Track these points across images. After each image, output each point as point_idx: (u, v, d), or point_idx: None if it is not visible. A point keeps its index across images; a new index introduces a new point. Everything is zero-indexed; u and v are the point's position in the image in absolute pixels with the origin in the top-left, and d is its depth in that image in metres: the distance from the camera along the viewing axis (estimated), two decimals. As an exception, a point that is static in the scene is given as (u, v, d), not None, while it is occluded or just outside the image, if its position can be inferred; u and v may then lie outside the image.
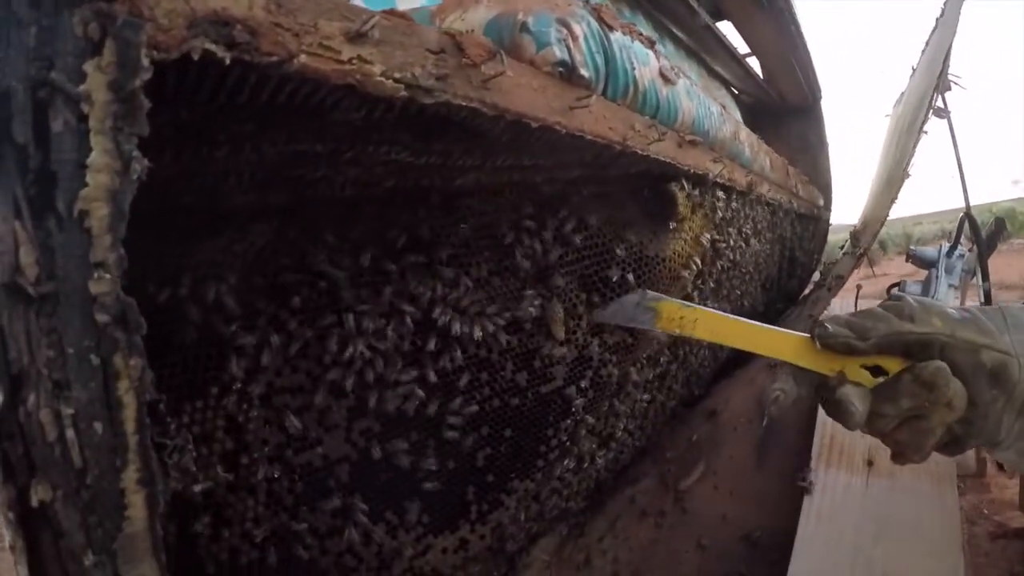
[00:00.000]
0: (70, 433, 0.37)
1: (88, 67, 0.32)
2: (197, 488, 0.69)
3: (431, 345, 0.88)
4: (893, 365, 0.71)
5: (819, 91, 3.30)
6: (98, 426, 0.39)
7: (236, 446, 0.75)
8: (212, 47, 0.36)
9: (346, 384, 0.81)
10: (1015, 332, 0.73)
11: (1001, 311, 0.76)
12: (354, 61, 0.44)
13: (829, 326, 0.72)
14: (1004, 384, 0.70)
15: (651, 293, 0.78)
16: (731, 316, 0.78)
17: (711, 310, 0.77)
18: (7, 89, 0.32)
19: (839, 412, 0.71)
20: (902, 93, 3.37)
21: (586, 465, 1.25)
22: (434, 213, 0.88)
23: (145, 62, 0.33)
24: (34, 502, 0.39)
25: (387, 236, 0.84)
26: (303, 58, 0.40)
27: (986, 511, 2.32)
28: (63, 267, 0.35)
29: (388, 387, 0.85)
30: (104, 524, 0.42)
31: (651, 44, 0.88)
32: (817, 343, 0.73)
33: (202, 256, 0.71)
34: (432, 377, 0.89)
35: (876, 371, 0.72)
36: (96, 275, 0.35)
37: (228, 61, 0.37)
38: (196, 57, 0.35)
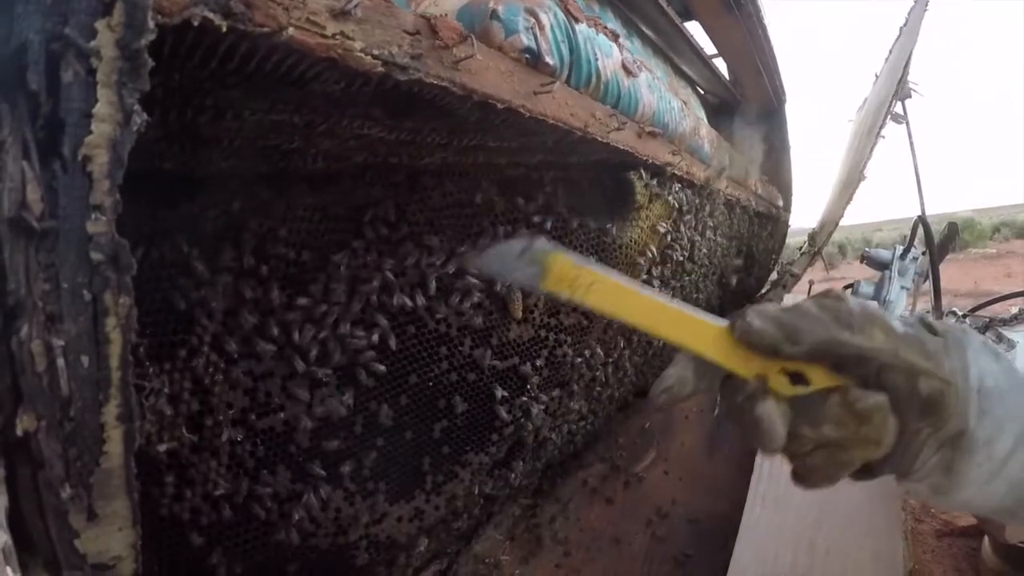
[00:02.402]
0: (60, 362, 0.40)
1: (99, 25, 0.35)
2: (162, 448, 0.72)
3: (393, 318, 0.91)
4: (818, 375, 0.60)
5: (784, 95, 3.34)
6: (85, 359, 0.42)
7: (201, 408, 0.78)
8: (210, 15, 0.39)
9: (310, 353, 0.84)
10: (955, 356, 0.62)
11: (946, 330, 0.65)
12: (337, 36, 0.48)
13: (754, 320, 0.60)
14: (936, 415, 0.60)
15: (541, 241, 0.64)
16: (636, 286, 0.63)
17: (613, 276, 0.63)
18: (25, 40, 0.35)
19: (756, 430, 0.59)
20: (865, 99, 3.44)
21: (540, 443, 1.29)
22: (401, 190, 0.91)
23: (151, 24, 0.36)
24: (19, 431, 0.42)
25: (355, 210, 0.87)
26: (291, 31, 0.44)
27: (933, 510, 2.38)
28: (65, 207, 0.38)
29: (350, 357, 0.88)
30: (83, 457, 0.45)
31: (615, 37, 0.92)
32: (737, 336, 0.60)
33: (176, 220, 0.73)
34: (392, 350, 0.92)
35: (796, 378, 0.60)
36: (94, 216, 0.38)
37: (225, 29, 0.40)
38: (196, 23, 0.38)
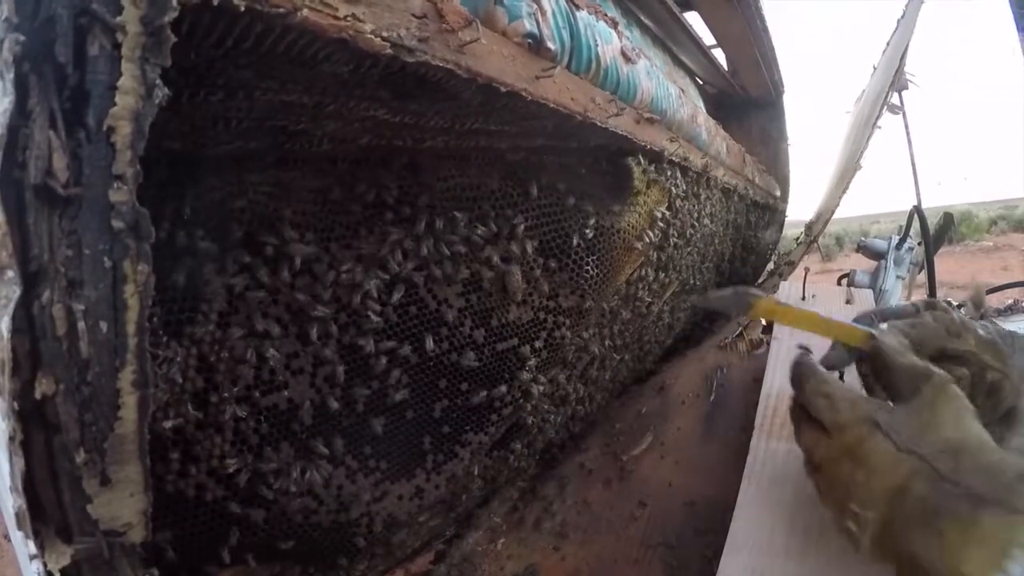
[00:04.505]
0: (81, 326, 0.42)
1: (125, 1, 0.37)
2: (167, 424, 0.74)
3: (395, 299, 0.93)
4: None
5: (782, 86, 3.35)
6: (103, 325, 0.43)
7: (206, 385, 0.79)
8: (229, -5, 0.40)
9: (312, 332, 0.86)
10: (1019, 357, 0.93)
11: (1012, 336, 0.98)
12: (349, 19, 0.49)
13: (890, 336, 0.91)
14: (995, 397, 0.90)
15: (751, 290, 0.97)
16: (808, 311, 0.97)
17: (795, 307, 0.98)
18: (53, 14, 0.37)
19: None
20: (863, 91, 3.45)
21: (538, 425, 1.31)
22: (403, 173, 0.93)
23: (173, 2, 0.38)
24: (37, 395, 0.43)
25: (357, 192, 0.89)
26: (305, 12, 0.45)
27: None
28: (88, 175, 0.39)
29: (352, 338, 0.90)
30: (98, 422, 0.46)
31: (615, 25, 0.93)
32: (873, 351, 0.90)
33: (182, 200, 0.75)
34: (394, 331, 0.94)
35: None
36: (116, 185, 0.40)
37: (243, 8, 0.41)
38: (216, 2, 0.40)
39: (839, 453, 0.82)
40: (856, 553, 0.81)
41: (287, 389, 0.86)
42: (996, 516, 0.65)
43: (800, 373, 0.91)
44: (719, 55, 2.87)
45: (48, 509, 0.48)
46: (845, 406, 0.84)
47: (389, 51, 0.54)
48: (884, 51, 3.15)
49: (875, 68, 3.27)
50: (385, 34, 0.53)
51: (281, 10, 0.44)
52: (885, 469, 0.75)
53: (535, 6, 0.75)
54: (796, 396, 0.92)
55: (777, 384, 1.60)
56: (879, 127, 2.45)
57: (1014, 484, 0.67)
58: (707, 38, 2.66)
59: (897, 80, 2.56)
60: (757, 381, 1.73)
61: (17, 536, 0.49)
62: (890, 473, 0.74)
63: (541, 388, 1.20)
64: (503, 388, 1.13)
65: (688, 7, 2.45)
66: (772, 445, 1.42)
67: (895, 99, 2.70)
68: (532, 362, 1.15)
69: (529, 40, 0.74)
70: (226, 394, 0.81)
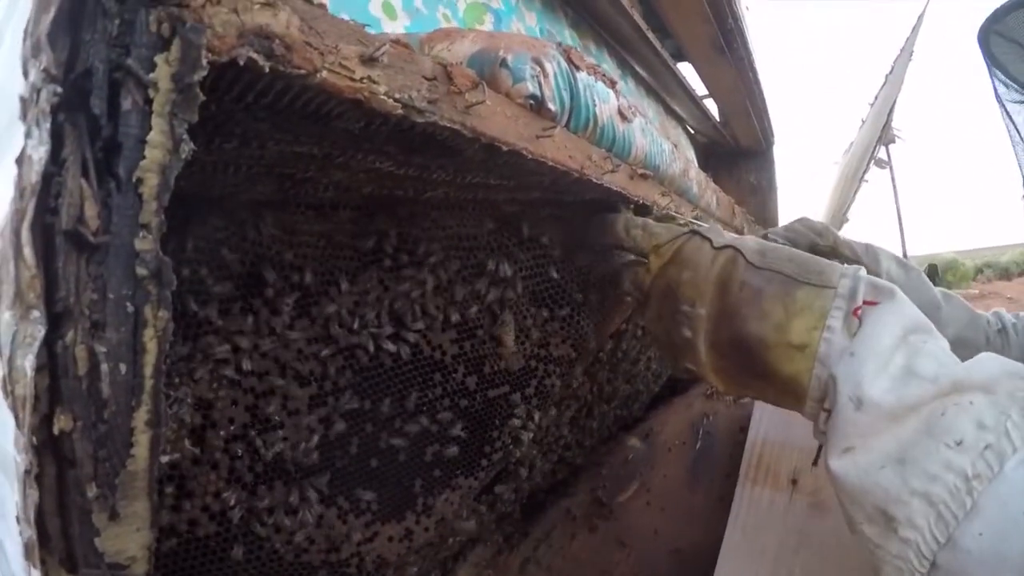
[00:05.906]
0: (104, 368, 0.44)
1: (158, 59, 0.39)
2: (164, 459, 0.74)
3: (390, 345, 0.95)
4: None
5: (772, 137, 3.40)
6: (123, 367, 0.45)
7: (203, 422, 0.81)
8: (255, 56, 0.43)
9: (309, 374, 0.88)
10: (868, 259, 1.29)
11: (877, 251, 1.33)
12: (364, 80, 0.52)
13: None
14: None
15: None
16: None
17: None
18: (90, 67, 0.39)
19: None
20: (851, 143, 3.50)
21: (526, 470, 1.32)
22: (403, 221, 0.95)
23: (204, 61, 0.40)
24: (55, 430, 0.45)
25: (357, 238, 0.91)
26: (325, 73, 0.48)
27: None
28: (116, 224, 0.41)
29: (347, 381, 0.92)
30: (111, 459, 0.47)
31: (612, 84, 0.96)
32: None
33: (187, 241, 0.77)
34: (389, 375, 0.96)
35: None
36: (142, 235, 0.42)
37: (267, 69, 0.44)
38: (242, 63, 0.42)
39: (664, 265, 0.95)
40: (697, 369, 0.94)
41: (282, 430, 0.88)
42: (810, 290, 0.80)
43: (603, 224, 1.08)
44: (711, 105, 2.93)
45: (53, 539, 0.49)
46: (661, 229, 1.01)
47: (400, 111, 0.57)
48: (872, 105, 3.21)
49: (863, 121, 3.33)
50: (397, 95, 0.56)
51: (302, 71, 0.46)
52: (707, 263, 0.89)
53: (538, 68, 0.78)
54: (606, 245, 1.06)
55: (762, 433, 1.62)
56: (866, 180, 2.50)
57: (822, 268, 0.82)
58: (699, 88, 2.72)
59: (885, 134, 2.61)
60: (743, 430, 1.76)
61: (15, 565, 0.50)
62: (712, 265, 0.89)
63: (530, 434, 1.21)
64: (493, 434, 1.14)
65: (681, 58, 2.51)
66: (757, 493, 1.44)
67: (883, 153, 2.76)
68: (522, 409, 1.17)
69: (531, 101, 0.77)
70: (222, 432, 0.82)
